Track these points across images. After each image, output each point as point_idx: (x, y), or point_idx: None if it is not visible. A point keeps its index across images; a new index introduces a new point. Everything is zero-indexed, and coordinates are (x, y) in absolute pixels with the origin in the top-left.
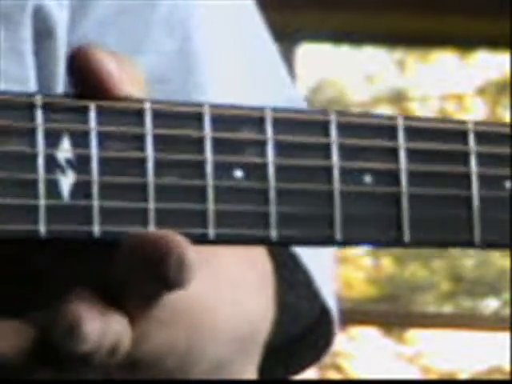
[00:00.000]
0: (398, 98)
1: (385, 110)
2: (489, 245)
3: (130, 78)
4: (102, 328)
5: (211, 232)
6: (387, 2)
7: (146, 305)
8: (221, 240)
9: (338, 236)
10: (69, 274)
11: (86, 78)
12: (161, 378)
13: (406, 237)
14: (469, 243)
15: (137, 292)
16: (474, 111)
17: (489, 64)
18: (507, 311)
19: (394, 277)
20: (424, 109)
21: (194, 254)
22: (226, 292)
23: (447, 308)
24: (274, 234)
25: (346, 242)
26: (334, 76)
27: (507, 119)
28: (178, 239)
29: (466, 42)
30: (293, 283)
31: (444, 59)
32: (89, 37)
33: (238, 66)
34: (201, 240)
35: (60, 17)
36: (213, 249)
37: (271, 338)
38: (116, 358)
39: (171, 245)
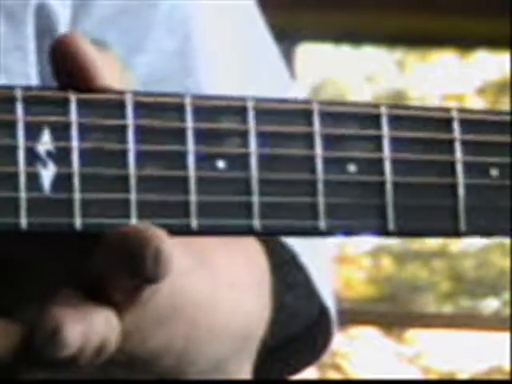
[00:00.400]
0: (398, 97)
1: None
2: (475, 233)
3: (110, 68)
4: (84, 332)
5: (194, 223)
6: (387, 2)
7: (132, 296)
8: (203, 231)
9: (322, 225)
10: (50, 269)
11: (69, 65)
12: (159, 378)
13: (391, 226)
14: (454, 232)
15: (119, 285)
16: None
17: (489, 64)
18: (507, 311)
19: (393, 277)
20: None
21: (172, 246)
22: (223, 292)
23: (447, 308)
24: (257, 224)
25: (329, 232)
26: (335, 76)
27: None
28: (155, 232)
29: (465, 42)
30: (291, 283)
31: (444, 59)
32: (90, 35)
33: (238, 65)
34: (183, 231)
35: (62, 15)
36: (209, 250)
37: (267, 338)
38: (104, 357)
39: (148, 238)
